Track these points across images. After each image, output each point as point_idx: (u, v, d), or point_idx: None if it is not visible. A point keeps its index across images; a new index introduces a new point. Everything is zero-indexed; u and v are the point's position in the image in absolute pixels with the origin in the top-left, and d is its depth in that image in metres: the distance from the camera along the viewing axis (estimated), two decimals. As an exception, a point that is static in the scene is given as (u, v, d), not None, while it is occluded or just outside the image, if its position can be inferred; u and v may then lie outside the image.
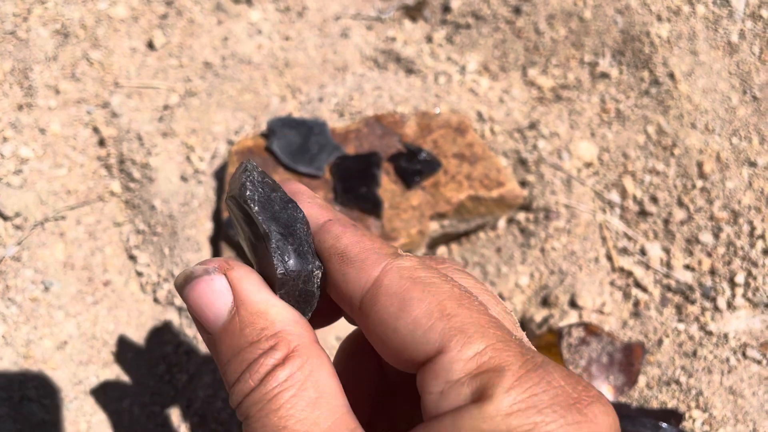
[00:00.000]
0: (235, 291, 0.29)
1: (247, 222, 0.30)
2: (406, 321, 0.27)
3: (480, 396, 0.24)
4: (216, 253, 0.83)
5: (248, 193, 0.29)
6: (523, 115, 0.95)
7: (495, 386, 0.24)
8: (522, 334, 0.30)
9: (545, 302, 0.81)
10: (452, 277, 0.29)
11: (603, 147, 0.91)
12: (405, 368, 0.28)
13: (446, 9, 1.04)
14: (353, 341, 0.37)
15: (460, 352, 0.25)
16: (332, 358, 0.32)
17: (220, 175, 0.88)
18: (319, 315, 0.33)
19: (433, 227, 0.83)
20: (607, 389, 0.75)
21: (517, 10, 1.01)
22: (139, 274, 0.85)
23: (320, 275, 0.30)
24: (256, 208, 0.29)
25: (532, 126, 0.93)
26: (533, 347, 0.27)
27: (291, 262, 0.29)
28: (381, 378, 0.36)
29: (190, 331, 0.79)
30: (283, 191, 0.30)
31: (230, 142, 0.91)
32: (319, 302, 0.31)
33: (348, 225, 0.31)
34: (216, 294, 0.29)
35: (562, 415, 0.23)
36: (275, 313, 0.28)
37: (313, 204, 0.32)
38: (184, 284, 0.30)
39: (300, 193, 0.32)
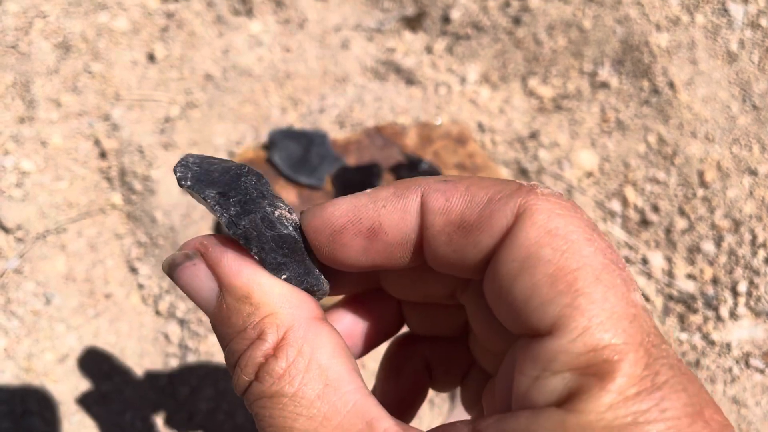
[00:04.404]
0: (216, 275, 0.26)
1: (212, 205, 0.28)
2: (524, 284, 0.22)
3: (571, 401, 0.20)
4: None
5: (179, 175, 0.28)
6: (524, 124, 0.95)
7: (591, 397, 0.20)
8: (656, 334, 0.23)
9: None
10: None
11: (603, 156, 0.91)
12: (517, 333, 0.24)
13: (446, 20, 1.04)
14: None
15: (573, 342, 0.21)
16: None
17: (221, 186, 0.89)
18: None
19: (435, 238, 0.83)
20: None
21: (517, 21, 1.01)
22: (141, 286, 0.85)
23: (290, 216, 0.27)
24: (189, 183, 0.27)
25: (533, 136, 0.93)
26: (669, 350, 0.22)
27: (233, 210, 0.26)
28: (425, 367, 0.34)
29: (192, 344, 0.79)
30: (230, 163, 0.28)
31: (231, 154, 0.92)
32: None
33: (442, 183, 0.26)
34: (200, 281, 0.26)
35: None
36: (260, 295, 0.25)
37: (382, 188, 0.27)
38: (170, 272, 0.27)
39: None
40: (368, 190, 0.26)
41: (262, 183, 0.28)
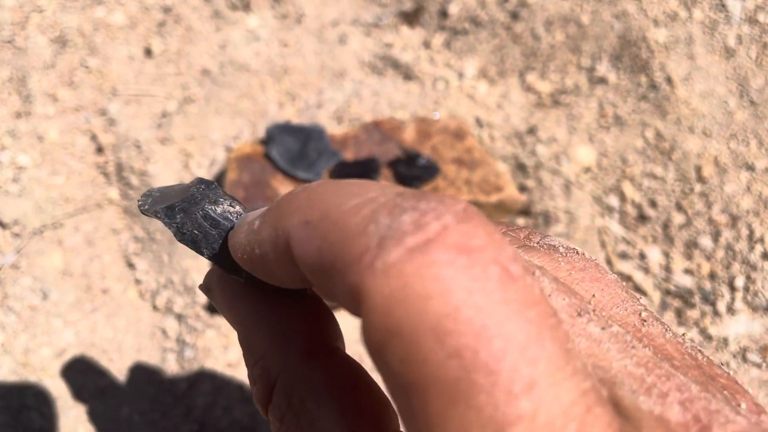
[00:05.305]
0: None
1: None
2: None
3: None
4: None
5: (140, 203, 0.28)
6: (522, 120, 0.95)
7: None
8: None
9: (545, 307, 0.81)
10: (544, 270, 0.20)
11: (601, 152, 0.91)
12: None
13: (444, 14, 1.04)
14: None
15: None
16: None
17: (218, 181, 0.88)
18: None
19: (432, 233, 0.82)
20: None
21: (514, 16, 1.01)
22: (138, 281, 0.85)
23: (234, 210, 0.26)
24: (145, 207, 0.28)
25: (531, 131, 0.93)
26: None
27: (178, 217, 0.26)
28: None
29: (190, 339, 0.79)
30: (190, 182, 0.28)
31: (228, 149, 0.91)
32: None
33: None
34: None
35: None
36: (250, 338, 0.25)
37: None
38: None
39: None
40: (256, 222, 0.23)
41: (210, 188, 0.27)
